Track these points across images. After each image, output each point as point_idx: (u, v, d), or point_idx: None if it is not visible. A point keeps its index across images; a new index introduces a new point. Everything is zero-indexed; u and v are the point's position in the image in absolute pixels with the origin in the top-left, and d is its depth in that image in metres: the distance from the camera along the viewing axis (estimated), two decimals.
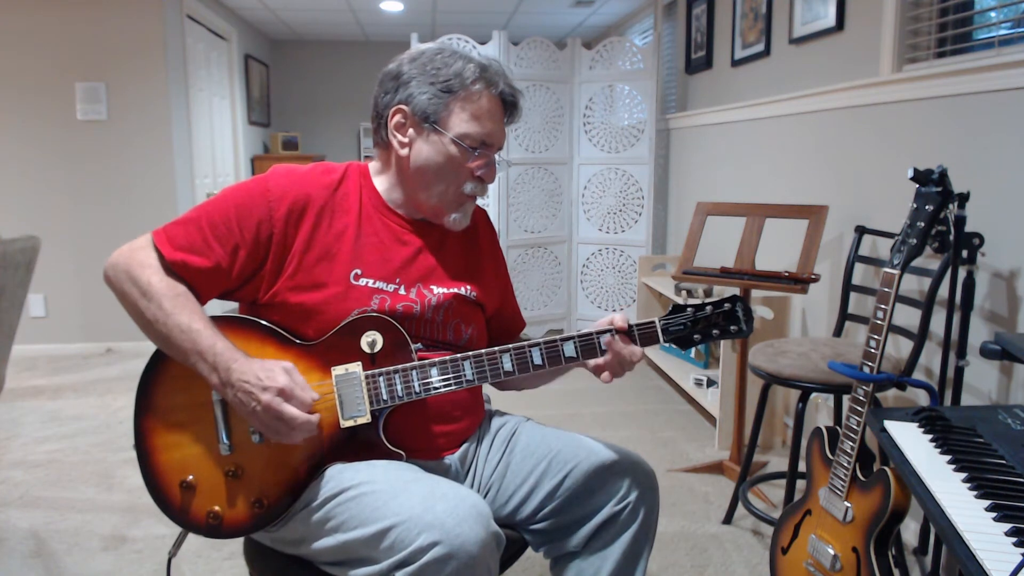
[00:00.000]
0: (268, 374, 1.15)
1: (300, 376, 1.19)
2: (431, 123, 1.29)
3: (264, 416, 1.14)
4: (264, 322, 1.28)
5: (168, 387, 1.26)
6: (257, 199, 1.28)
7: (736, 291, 2.74)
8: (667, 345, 1.32)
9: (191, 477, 1.23)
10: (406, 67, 1.31)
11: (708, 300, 1.32)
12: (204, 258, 1.25)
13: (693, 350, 3.81)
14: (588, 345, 1.27)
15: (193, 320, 1.20)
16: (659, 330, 1.29)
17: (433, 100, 1.29)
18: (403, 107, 1.31)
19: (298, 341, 1.27)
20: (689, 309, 1.30)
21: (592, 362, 1.28)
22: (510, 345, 1.27)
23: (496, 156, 1.36)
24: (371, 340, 1.25)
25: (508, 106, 1.35)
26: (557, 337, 1.28)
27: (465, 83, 1.29)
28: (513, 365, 1.26)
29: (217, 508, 1.22)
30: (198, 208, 1.29)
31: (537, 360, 1.27)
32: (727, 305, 1.30)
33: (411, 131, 1.31)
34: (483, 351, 1.27)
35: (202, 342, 1.18)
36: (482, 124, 1.30)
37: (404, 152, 1.32)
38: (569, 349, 1.27)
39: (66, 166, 4.41)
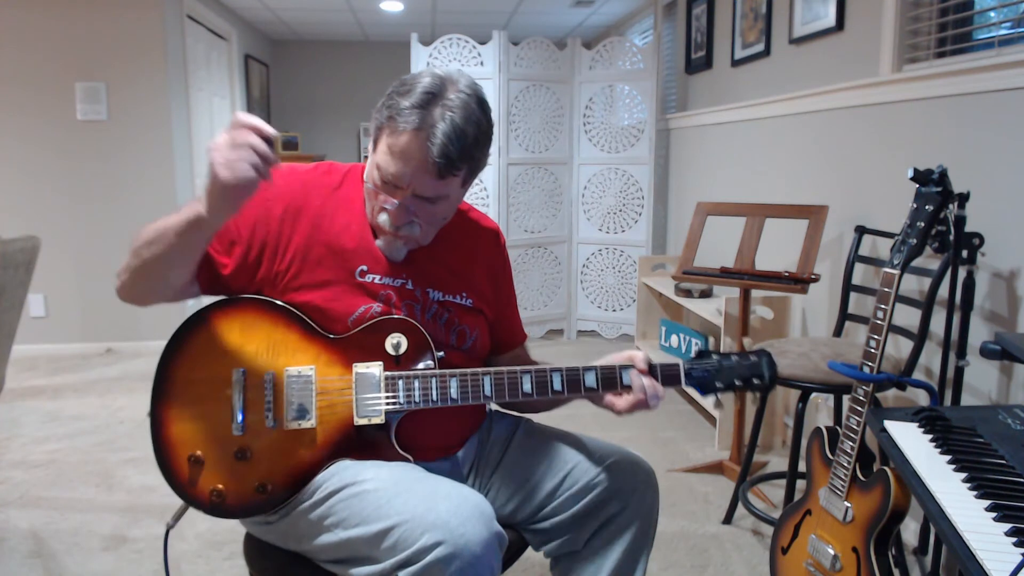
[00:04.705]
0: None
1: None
2: (374, 144, 1.29)
3: (221, 154, 1.07)
4: (294, 309, 1.27)
5: (190, 361, 1.26)
6: (255, 198, 1.28)
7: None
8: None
9: (200, 452, 1.23)
10: (393, 84, 1.28)
11: (735, 352, 1.32)
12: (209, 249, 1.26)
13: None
14: (610, 377, 1.28)
15: (169, 217, 1.18)
16: (682, 373, 1.29)
17: (377, 123, 1.26)
18: (371, 122, 1.31)
19: (324, 333, 1.27)
20: (715, 356, 1.31)
21: (609, 398, 1.28)
22: (531, 367, 1.27)
23: (436, 206, 1.27)
24: (396, 342, 1.26)
25: (435, 158, 1.20)
26: (579, 366, 1.28)
27: (393, 115, 1.21)
28: (533, 387, 1.26)
29: (221, 486, 1.22)
30: None
31: (557, 386, 1.27)
32: (753, 357, 1.30)
33: (371, 145, 1.31)
34: (504, 369, 1.27)
35: (183, 211, 1.15)
36: (391, 161, 1.22)
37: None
38: (590, 379, 1.27)
39: (66, 166, 4.41)
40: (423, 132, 1.19)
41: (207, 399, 1.24)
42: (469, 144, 1.22)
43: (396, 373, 1.25)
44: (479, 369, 1.27)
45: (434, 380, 1.25)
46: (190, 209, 1.15)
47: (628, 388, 1.27)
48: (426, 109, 1.20)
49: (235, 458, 1.23)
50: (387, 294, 1.30)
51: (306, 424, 1.23)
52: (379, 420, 1.23)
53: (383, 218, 1.27)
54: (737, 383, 1.30)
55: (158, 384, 1.26)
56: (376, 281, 1.31)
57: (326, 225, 1.31)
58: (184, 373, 1.25)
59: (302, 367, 1.25)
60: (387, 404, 1.24)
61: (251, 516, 1.26)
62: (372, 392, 1.24)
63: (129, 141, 4.44)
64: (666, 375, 1.28)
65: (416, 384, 1.25)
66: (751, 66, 3.57)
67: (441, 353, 1.29)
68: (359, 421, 1.23)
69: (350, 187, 1.36)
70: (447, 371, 1.26)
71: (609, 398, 1.29)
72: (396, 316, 1.28)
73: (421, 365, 1.26)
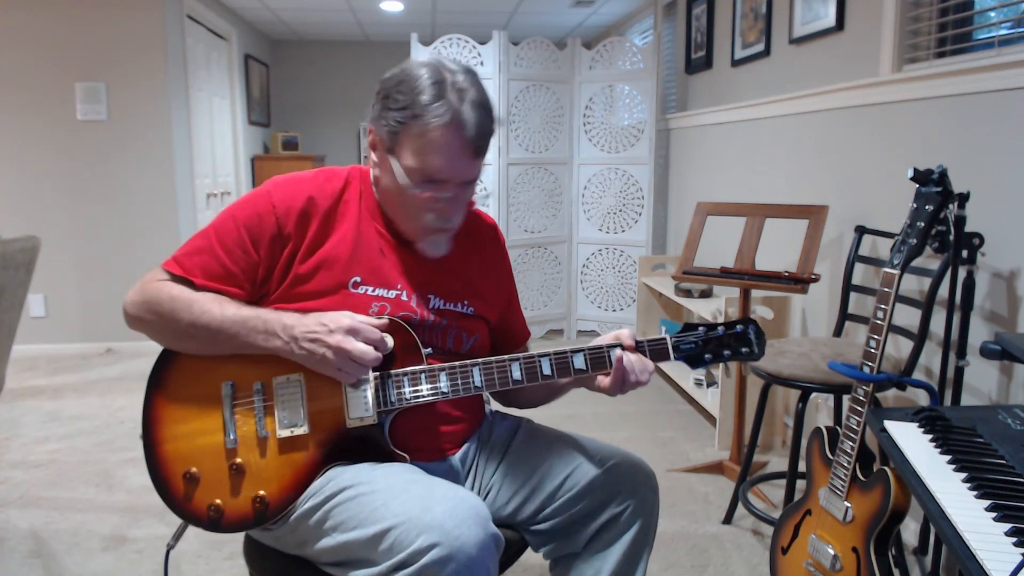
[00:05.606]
0: (333, 318, 1.18)
1: (361, 317, 1.21)
2: (389, 150, 1.26)
3: (335, 359, 1.17)
4: None
5: (179, 379, 1.26)
6: (266, 218, 1.28)
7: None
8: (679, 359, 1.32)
9: (195, 469, 1.23)
10: (386, 85, 1.27)
11: (720, 321, 1.32)
12: (230, 286, 1.27)
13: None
14: (598, 358, 1.27)
15: (226, 307, 1.23)
16: (670, 347, 1.29)
17: (392, 127, 1.24)
18: (372, 127, 1.29)
19: None
20: (701, 328, 1.31)
21: (600, 381, 1.29)
22: (519, 354, 1.27)
23: (472, 187, 1.29)
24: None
25: (472, 141, 1.22)
26: (567, 348, 1.27)
27: (417, 113, 1.20)
28: (522, 374, 1.26)
29: (218, 501, 1.22)
30: (206, 234, 1.29)
31: (546, 370, 1.27)
32: (739, 327, 1.30)
33: (379, 152, 1.28)
34: (492, 359, 1.27)
35: (249, 319, 1.21)
36: (428, 160, 1.21)
37: (375, 172, 1.32)
38: (579, 361, 1.27)
39: (66, 166, 4.41)
40: (454, 120, 1.20)
41: (198, 415, 1.24)
42: (489, 114, 1.26)
43: (386, 372, 1.24)
44: (467, 361, 1.27)
45: (423, 375, 1.25)
46: (265, 338, 1.20)
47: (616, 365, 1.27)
48: (445, 98, 1.21)
49: (230, 471, 1.23)
50: (381, 306, 1.29)
51: (299, 431, 1.23)
52: (371, 420, 1.23)
53: (430, 217, 1.27)
54: (726, 354, 1.30)
55: (148, 405, 1.26)
56: (369, 293, 1.30)
57: (326, 235, 1.30)
58: (173, 391, 1.26)
59: (290, 374, 1.24)
60: (378, 404, 1.23)
61: (251, 528, 1.26)
62: (362, 392, 1.23)
63: (129, 141, 4.44)
64: (654, 350, 1.29)
65: (405, 381, 1.25)
66: (751, 66, 3.56)
67: (429, 349, 1.29)
68: (351, 423, 1.23)
69: (351, 193, 1.35)
70: (436, 366, 1.26)
71: (601, 380, 1.29)
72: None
73: (411, 364, 1.26)
